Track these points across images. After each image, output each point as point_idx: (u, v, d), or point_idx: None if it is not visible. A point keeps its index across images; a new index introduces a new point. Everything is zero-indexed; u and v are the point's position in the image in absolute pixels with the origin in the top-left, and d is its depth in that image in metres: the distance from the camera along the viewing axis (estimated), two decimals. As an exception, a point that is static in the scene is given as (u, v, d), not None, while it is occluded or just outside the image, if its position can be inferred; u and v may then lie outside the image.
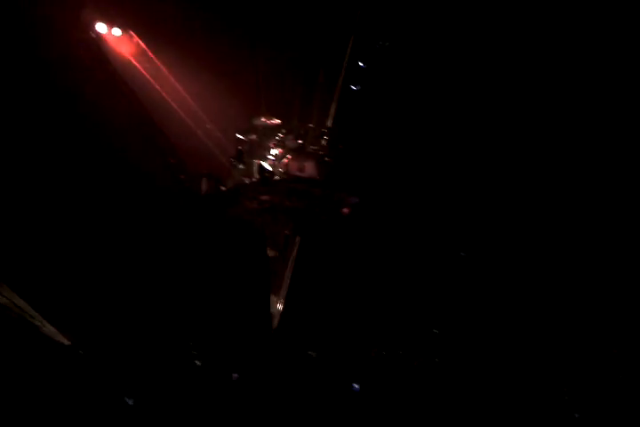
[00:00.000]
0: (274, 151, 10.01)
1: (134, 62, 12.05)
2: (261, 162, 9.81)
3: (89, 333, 9.98)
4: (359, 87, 11.36)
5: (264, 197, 9.91)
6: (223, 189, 10.31)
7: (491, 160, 10.99)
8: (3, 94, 9.02)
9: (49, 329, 9.92)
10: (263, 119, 10.09)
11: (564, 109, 10.70)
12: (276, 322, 12.96)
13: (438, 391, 10.06)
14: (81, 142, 10.07)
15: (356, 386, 10.03)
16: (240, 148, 10.26)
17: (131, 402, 9.24)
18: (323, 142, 10.01)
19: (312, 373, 10.62)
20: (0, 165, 8.90)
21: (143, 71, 12.08)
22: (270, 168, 9.83)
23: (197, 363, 10.40)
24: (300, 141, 10.10)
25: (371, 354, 11.02)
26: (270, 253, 12.44)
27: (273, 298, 12.81)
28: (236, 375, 10.27)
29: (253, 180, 10.08)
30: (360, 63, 11.34)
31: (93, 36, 11.22)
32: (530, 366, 9.48)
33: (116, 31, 11.71)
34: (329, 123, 10.94)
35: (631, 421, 7.16)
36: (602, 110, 10.45)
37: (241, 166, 10.28)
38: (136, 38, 11.95)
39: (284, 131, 10.13)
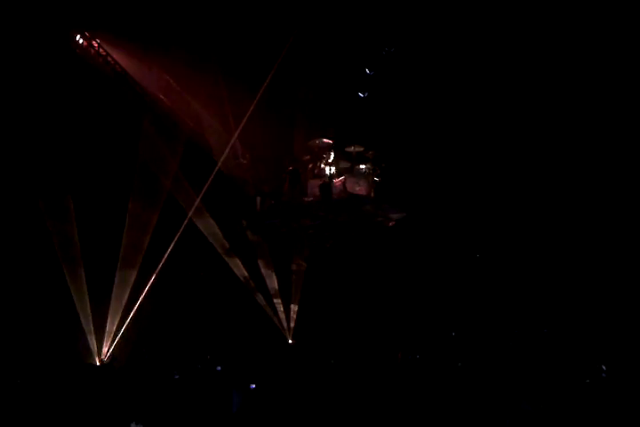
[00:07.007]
0: (328, 171, 10.64)
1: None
2: (323, 181, 10.40)
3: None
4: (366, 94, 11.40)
5: (321, 214, 10.51)
6: (278, 206, 10.77)
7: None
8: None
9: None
10: (317, 141, 10.69)
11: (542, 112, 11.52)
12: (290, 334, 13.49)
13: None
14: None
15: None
16: (292, 168, 10.77)
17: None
18: (369, 162, 10.76)
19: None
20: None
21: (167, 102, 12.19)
22: (329, 187, 10.45)
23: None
24: (349, 162, 10.80)
25: (397, 357, 11.78)
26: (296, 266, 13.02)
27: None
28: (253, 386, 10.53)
29: (310, 198, 10.63)
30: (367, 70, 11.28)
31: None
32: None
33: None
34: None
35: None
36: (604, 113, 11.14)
37: (293, 185, 10.80)
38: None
39: (335, 152, 10.76)
